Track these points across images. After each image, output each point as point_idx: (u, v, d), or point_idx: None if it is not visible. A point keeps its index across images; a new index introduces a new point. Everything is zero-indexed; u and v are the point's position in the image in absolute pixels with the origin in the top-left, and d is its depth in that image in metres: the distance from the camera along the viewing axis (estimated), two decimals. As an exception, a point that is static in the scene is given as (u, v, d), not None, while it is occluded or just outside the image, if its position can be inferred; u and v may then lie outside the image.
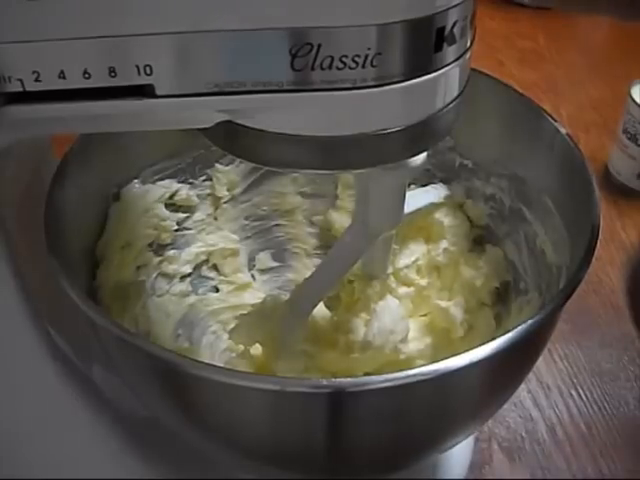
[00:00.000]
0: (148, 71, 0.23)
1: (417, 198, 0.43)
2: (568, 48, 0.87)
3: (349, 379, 0.26)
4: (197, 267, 0.47)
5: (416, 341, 0.42)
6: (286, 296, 0.48)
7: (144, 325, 0.42)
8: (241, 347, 0.44)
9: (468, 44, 0.25)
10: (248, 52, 0.22)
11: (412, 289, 0.45)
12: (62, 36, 0.22)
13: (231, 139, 0.26)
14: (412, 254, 0.45)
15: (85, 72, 0.23)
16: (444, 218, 0.44)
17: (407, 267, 0.45)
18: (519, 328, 0.27)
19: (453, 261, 0.44)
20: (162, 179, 0.43)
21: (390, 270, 0.44)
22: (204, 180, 0.46)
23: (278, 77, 0.23)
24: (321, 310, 0.44)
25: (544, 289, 0.38)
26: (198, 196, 0.46)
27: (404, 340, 0.40)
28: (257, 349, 0.44)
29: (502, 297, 0.43)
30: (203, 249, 0.47)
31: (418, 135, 0.25)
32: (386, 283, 0.44)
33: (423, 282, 0.45)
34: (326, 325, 0.43)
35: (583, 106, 0.76)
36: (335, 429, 0.29)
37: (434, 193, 0.44)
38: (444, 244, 0.45)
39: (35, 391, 0.34)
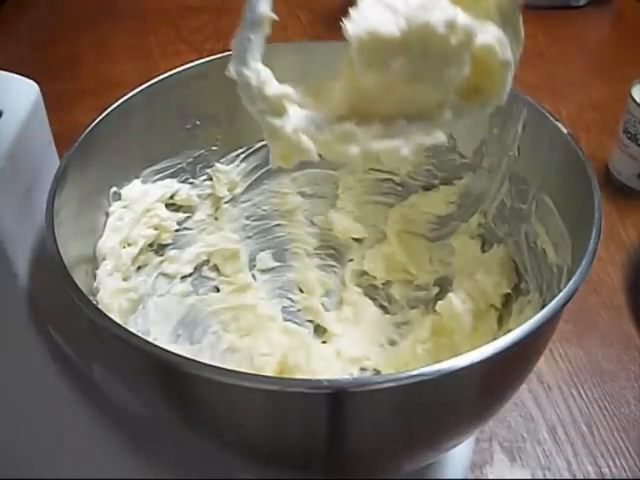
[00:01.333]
0: None
1: None
2: (568, 48, 0.87)
3: (349, 379, 0.26)
4: (198, 267, 0.47)
5: (422, 343, 0.42)
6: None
7: (144, 325, 0.42)
8: None
9: None
10: None
11: None
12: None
13: None
14: None
15: None
16: None
17: None
18: (520, 328, 0.27)
19: None
20: (162, 179, 0.43)
21: None
22: (204, 180, 0.46)
23: None
24: None
25: (545, 289, 0.38)
26: (199, 196, 0.46)
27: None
28: (261, 359, 0.44)
29: (506, 298, 0.42)
30: (204, 249, 0.47)
31: None
32: None
33: None
34: None
35: (583, 106, 0.75)
36: (335, 429, 0.29)
37: None
38: None
39: (35, 391, 0.34)
